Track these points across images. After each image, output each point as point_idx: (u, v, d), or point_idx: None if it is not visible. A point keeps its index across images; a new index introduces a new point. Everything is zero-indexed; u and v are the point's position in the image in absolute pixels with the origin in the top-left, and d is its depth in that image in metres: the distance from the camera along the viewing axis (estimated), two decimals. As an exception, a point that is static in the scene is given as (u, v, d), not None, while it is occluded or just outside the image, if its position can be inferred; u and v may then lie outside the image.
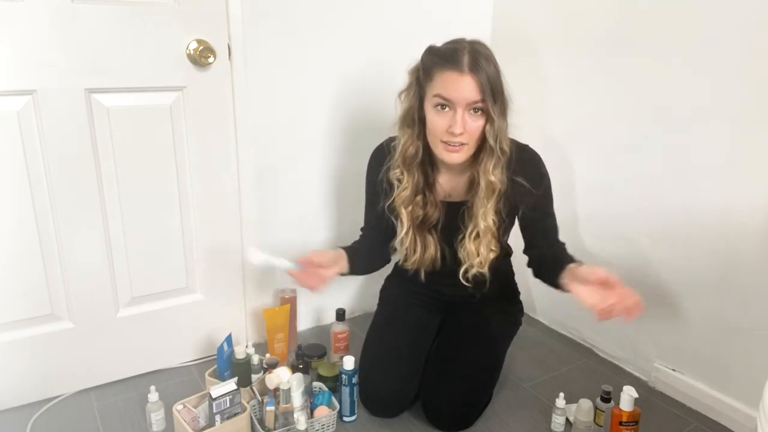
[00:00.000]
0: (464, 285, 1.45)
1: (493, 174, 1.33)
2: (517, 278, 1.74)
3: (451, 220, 1.46)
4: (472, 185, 1.41)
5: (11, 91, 1.36)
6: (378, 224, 1.54)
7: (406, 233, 1.44)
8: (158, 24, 1.48)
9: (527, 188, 1.39)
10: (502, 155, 1.33)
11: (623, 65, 1.65)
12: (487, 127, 1.29)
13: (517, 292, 1.73)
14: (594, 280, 1.19)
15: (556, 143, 1.90)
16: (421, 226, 1.46)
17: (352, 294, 2.08)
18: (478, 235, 1.40)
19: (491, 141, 1.30)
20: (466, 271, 1.44)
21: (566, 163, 1.88)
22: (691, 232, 1.55)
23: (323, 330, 1.99)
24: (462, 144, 1.30)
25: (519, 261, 1.88)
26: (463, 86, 1.25)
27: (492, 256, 1.43)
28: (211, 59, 1.55)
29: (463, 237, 1.43)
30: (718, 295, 1.51)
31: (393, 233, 1.50)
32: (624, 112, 1.67)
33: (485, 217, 1.37)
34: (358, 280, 2.06)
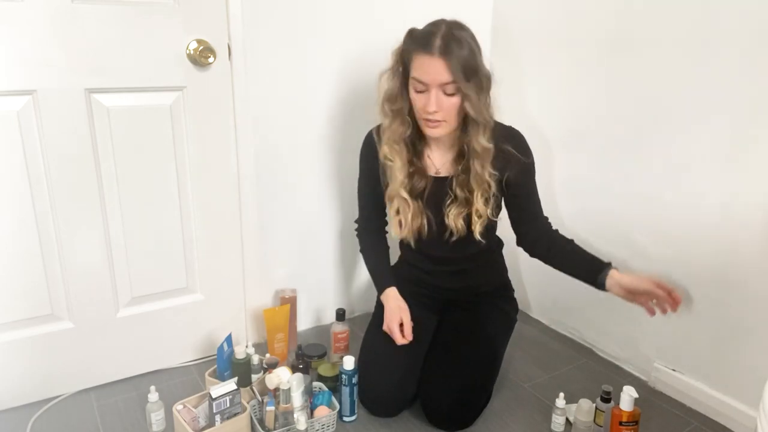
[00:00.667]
0: (457, 270, 1.56)
1: (483, 140, 1.40)
2: (510, 275, 1.74)
3: (438, 192, 1.51)
4: (460, 158, 1.48)
5: (11, 91, 1.36)
6: (372, 211, 1.63)
7: (395, 201, 1.51)
8: (158, 24, 1.48)
9: (515, 155, 1.45)
10: (487, 123, 1.40)
11: (623, 63, 1.65)
12: (466, 104, 1.36)
13: (511, 289, 1.73)
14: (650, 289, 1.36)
15: (556, 141, 1.90)
16: (409, 195, 1.51)
17: (352, 294, 2.08)
18: (482, 195, 1.46)
19: (473, 114, 1.37)
20: (450, 233, 1.50)
21: (565, 161, 1.88)
22: (691, 231, 1.55)
23: (323, 330, 1.99)
24: (440, 121, 1.38)
25: (512, 259, 1.89)
26: (434, 69, 1.32)
27: (482, 221, 1.47)
28: (211, 59, 1.55)
29: (452, 203, 1.49)
30: (718, 295, 1.51)
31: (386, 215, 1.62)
32: (624, 110, 1.67)
33: (489, 177, 1.43)
34: (358, 280, 2.06)
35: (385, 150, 1.48)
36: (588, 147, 1.80)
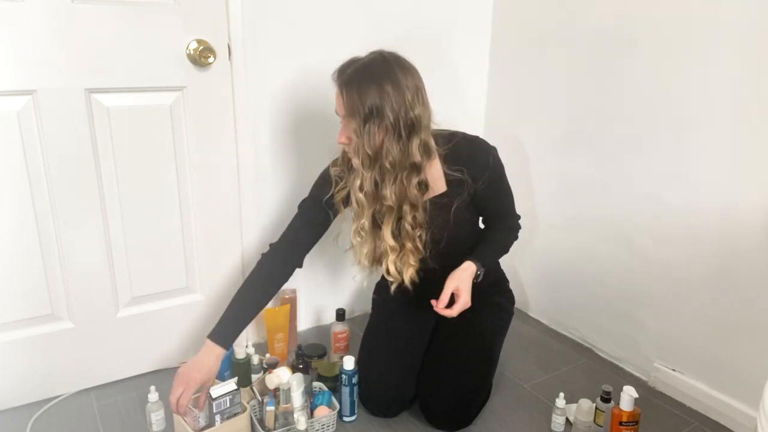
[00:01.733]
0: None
1: (359, 191, 1.34)
2: (510, 275, 1.74)
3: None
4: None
5: (11, 91, 1.36)
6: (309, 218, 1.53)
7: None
8: (158, 24, 1.48)
9: (466, 182, 1.40)
10: (383, 173, 1.32)
11: (623, 64, 1.65)
12: (356, 142, 1.30)
13: (505, 281, 1.72)
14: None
15: (556, 142, 1.90)
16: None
17: (352, 294, 2.08)
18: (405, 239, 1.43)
19: (355, 160, 1.32)
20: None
21: (565, 162, 1.88)
22: (691, 232, 1.55)
23: (323, 330, 1.99)
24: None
25: (513, 259, 1.88)
26: (337, 99, 1.33)
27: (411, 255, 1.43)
28: (211, 59, 1.55)
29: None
30: (718, 295, 1.51)
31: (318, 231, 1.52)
32: (624, 110, 1.67)
33: (412, 230, 1.40)
34: (358, 280, 2.06)
35: (335, 170, 1.46)
36: (588, 147, 1.80)
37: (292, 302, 1.81)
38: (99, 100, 1.46)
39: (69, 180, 1.47)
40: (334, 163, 1.47)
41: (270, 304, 1.87)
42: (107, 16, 1.42)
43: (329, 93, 1.81)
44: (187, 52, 1.53)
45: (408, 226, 1.39)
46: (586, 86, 1.77)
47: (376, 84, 1.26)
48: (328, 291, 2.03)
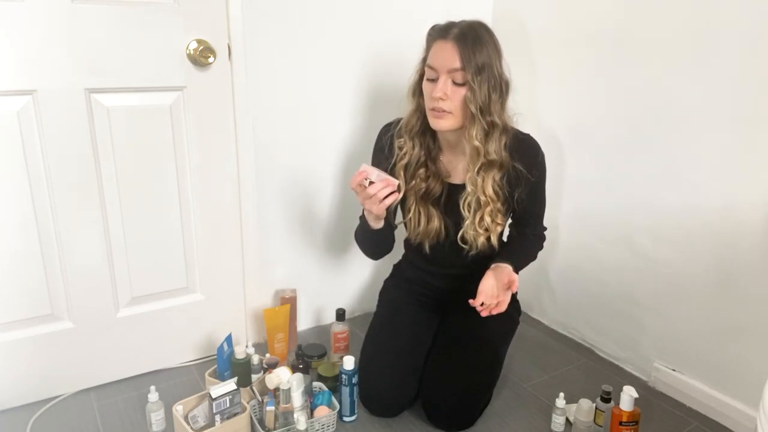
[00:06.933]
0: (463, 274, 1.52)
1: (476, 140, 1.37)
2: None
3: (452, 200, 1.49)
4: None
5: (11, 91, 1.36)
6: None
7: (410, 203, 1.50)
8: (158, 24, 1.48)
9: (524, 174, 1.44)
10: (491, 127, 1.37)
11: (623, 64, 1.65)
12: (468, 95, 1.33)
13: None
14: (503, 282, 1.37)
15: (556, 142, 1.90)
16: (424, 198, 1.50)
17: (352, 294, 2.08)
18: (479, 205, 1.43)
19: (472, 108, 1.34)
20: (470, 248, 1.48)
21: (565, 162, 1.88)
22: (691, 232, 1.55)
23: (323, 330, 1.99)
24: (445, 111, 1.35)
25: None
26: (445, 53, 1.33)
27: (498, 229, 1.46)
28: (211, 59, 1.55)
29: (467, 218, 1.46)
30: (718, 295, 1.51)
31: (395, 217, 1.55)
32: (624, 111, 1.67)
33: (484, 188, 1.41)
34: (358, 280, 2.06)
35: (400, 141, 1.48)
36: (588, 147, 1.80)
37: (292, 302, 1.81)
38: (99, 100, 1.46)
39: (69, 180, 1.47)
40: (398, 134, 1.49)
41: (270, 304, 1.88)
42: (107, 16, 1.42)
43: (329, 92, 1.82)
44: (187, 52, 1.53)
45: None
46: (586, 86, 1.77)
47: (485, 43, 1.33)
48: (328, 291, 2.03)
